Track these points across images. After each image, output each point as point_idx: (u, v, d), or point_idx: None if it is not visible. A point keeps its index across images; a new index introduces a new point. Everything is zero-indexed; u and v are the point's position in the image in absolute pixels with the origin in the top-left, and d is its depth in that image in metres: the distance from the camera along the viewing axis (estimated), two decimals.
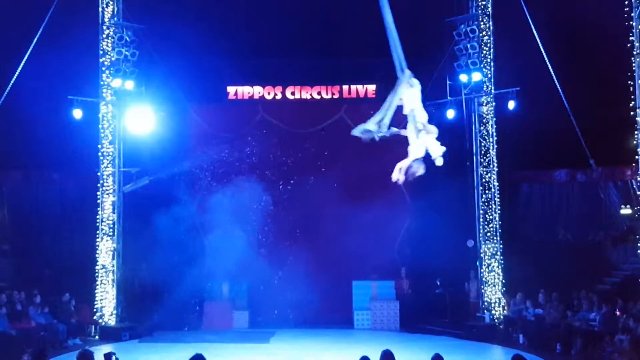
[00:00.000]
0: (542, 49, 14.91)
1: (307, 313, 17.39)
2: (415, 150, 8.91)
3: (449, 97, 16.85)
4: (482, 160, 16.80)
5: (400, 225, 18.11)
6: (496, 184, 16.70)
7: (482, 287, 16.58)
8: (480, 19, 16.57)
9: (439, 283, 17.51)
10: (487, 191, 16.75)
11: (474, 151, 16.84)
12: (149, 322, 16.49)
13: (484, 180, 16.79)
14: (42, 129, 16.14)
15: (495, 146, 16.73)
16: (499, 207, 16.67)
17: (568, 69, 15.42)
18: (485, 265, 16.56)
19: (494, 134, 16.74)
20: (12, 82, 15.04)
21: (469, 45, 16.38)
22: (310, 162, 18.03)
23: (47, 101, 16.19)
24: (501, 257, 16.51)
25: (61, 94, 16.19)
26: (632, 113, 13.83)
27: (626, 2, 13.76)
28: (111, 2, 16.63)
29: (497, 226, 16.62)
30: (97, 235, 16.53)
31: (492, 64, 16.62)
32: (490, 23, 16.60)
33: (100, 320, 16.29)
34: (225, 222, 16.40)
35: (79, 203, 17.63)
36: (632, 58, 13.70)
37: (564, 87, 14.90)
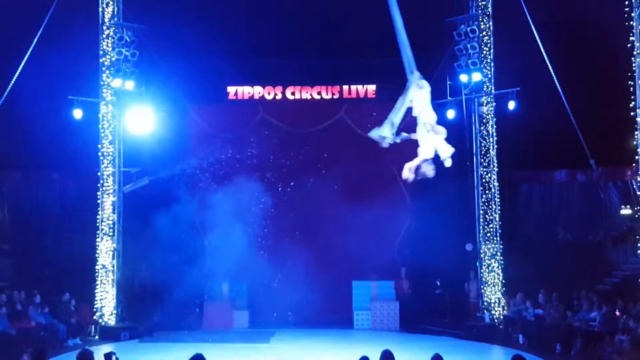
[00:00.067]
0: (542, 49, 14.91)
1: (307, 313, 17.38)
2: (425, 151, 8.97)
3: (449, 97, 16.86)
4: (482, 160, 16.81)
5: (400, 225, 18.11)
6: (496, 184, 16.71)
7: (482, 287, 16.59)
8: (480, 19, 16.58)
9: (438, 283, 17.51)
10: (487, 191, 16.75)
11: (474, 151, 16.84)
12: (149, 322, 16.51)
13: (484, 180, 16.80)
14: (42, 129, 16.15)
15: (495, 146, 16.74)
16: (499, 207, 16.67)
17: (568, 69, 15.41)
18: (485, 265, 16.56)
19: (494, 134, 16.75)
20: (12, 82, 15.04)
21: (469, 46, 16.39)
22: (310, 162, 18.02)
23: (47, 101, 16.19)
24: (501, 257, 16.52)
25: (61, 94, 16.19)
26: (632, 113, 13.81)
27: (626, 2, 13.74)
28: (111, 2, 16.64)
29: (497, 226, 16.62)
30: (97, 235, 16.54)
31: (492, 64, 16.63)
32: (491, 23, 16.60)
33: (100, 320, 16.30)
34: (225, 221, 16.38)
35: (79, 203, 17.62)
36: (632, 58, 13.68)
37: (564, 87, 14.90)
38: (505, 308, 16.33)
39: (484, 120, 16.83)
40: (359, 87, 18.67)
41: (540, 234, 17.78)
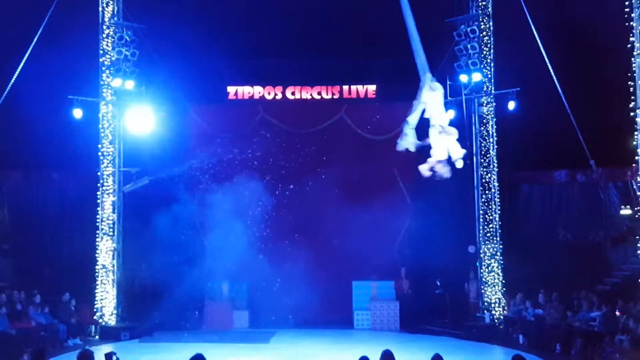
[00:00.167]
0: (542, 50, 14.92)
1: (307, 313, 17.38)
2: (437, 152, 9.03)
3: (449, 98, 16.81)
4: (482, 160, 16.81)
5: (400, 225, 18.10)
6: (496, 184, 16.72)
7: (482, 287, 16.60)
8: (480, 19, 16.59)
9: (438, 283, 17.50)
10: (487, 191, 16.76)
11: (474, 151, 16.84)
12: (149, 322, 16.48)
13: (484, 180, 16.80)
14: (42, 129, 16.15)
15: (496, 146, 16.75)
16: (498, 208, 16.68)
17: (568, 69, 15.42)
18: (485, 265, 16.57)
19: (494, 134, 16.75)
20: (12, 82, 15.04)
21: (469, 46, 16.39)
22: (310, 162, 18.00)
23: (47, 101, 16.19)
24: (501, 258, 16.52)
25: (61, 93, 16.19)
26: (632, 113, 13.82)
27: (626, 3, 13.75)
28: (111, 2, 16.64)
29: (497, 226, 16.63)
30: (97, 235, 16.54)
31: (492, 64, 16.63)
32: (491, 23, 16.61)
33: (100, 320, 16.31)
34: (225, 221, 16.37)
35: (79, 203, 17.62)
36: (632, 58, 13.69)
37: (564, 87, 14.91)
38: (505, 308, 16.34)
39: (484, 121, 16.84)
40: (359, 87, 18.67)
41: (540, 234, 17.77)
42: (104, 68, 16.61)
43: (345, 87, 18.69)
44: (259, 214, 17.24)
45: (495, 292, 16.43)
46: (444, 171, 9.08)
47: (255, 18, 17.76)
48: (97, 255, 16.46)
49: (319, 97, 18.73)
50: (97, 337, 16.06)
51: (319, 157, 18.07)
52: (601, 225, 17.55)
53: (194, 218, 17.56)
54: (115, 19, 16.63)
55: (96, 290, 16.39)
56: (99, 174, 16.64)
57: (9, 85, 15.04)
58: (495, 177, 16.72)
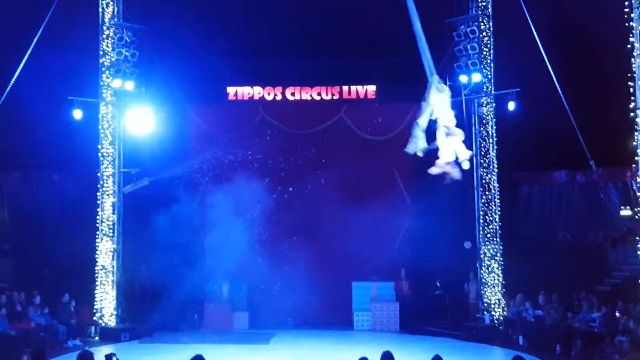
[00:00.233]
0: (542, 50, 14.91)
1: (306, 314, 17.38)
2: (445, 154, 9.04)
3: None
4: (482, 161, 16.80)
5: (400, 226, 18.10)
6: (496, 184, 16.70)
7: (481, 288, 16.58)
8: (480, 20, 16.57)
9: (438, 284, 17.50)
10: (487, 192, 16.75)
11: (474, 152, 16.80)
12: (148, 323, 16.47)
13: (484, 181, 16.79)
14: (42, 130, 16.16)
15: (495, 147, 16.73)
16: (498, 208, 16.67)
17: (568, 70, 15.41)
18: (485, 266, 16.56)
19: (494, 134, 16.74)
20: (12, 82, 15.04)
21: (468, 46, 16.39)
22: (310, 163, 18.00)
23: (47, 101, 16.19)
24: (501, 258, 16.51)
25: (61, 94, 16.19)
26: (632, 114, 13.81)
27: (626, 3, 13.74)
28: (111, 3, 16.63)
29: (497, 227, 16.62)
30: (97, 236, 16.53)
31: (492, 64, 16.62)
32: (490, 24, 16.60)
33: (100, 321, 16.29)
34: (225, 222, 16.37)
35: (78, 204, 17.61)
36: (632, 59, 13.68)
37: (564, 87, 14.90)
38: (505, 309, 16.32)
39: (484, 121, 16.82)
40: (359, 87, 18.65)
41: (540, 235, 17.77)
42: (103, 69, 16.60)
43: (345, 88, 18.68)
44: (258, 214, 17.24)
45: (495, 292, 16.41)
46: (455, 172, 9.10)
47: (255, 18, 17.76)
48: (96, 256, 16.45)
49: (318, 97, 18.72)
50: (96, 338, 16.05)
51: (318, 158, 18.07)
52: (601, 226, 17.56)
53: (194, 219, 17.53)
54: (115, 19, 16.62)
55: (96, 291, 16.38)
56: (98, 174, 16.63)
57: (9, 86, 15.03)
58: (495, 177, 16.71)
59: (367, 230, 16.46)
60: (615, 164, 16.55)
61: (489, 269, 16.50)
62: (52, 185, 18.24)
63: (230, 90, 18.74)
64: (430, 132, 9.71)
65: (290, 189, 17.94)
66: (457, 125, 16.69)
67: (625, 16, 13.77)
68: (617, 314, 13.69)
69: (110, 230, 16.58)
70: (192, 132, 18.45)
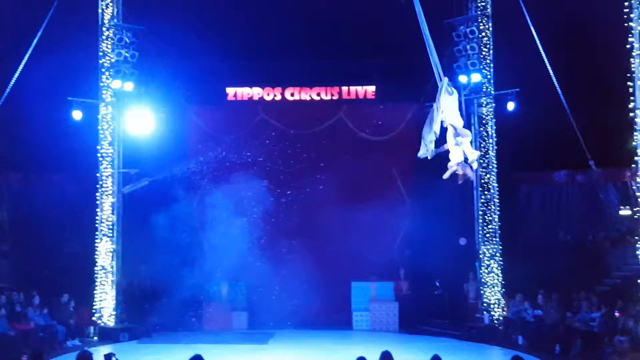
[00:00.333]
0: (541, 50, 14.91)
1: (306, 314, 17.35)
2: (455, 156, 9.07)
3: None
4: (481, 161, 16.78)
5: (400, 226, 18.11)
6: (495, 184, 16.69)
7: (481, 288, 16.58)
8: (479, 20, 16.57)
9: (438, 284, 17.51)
10: (486, 192, 16.74)
11: None
12: (148, 323, 16.49)
13: (483, 181, 16.78)
14: (41, 130, 16.16)
15: (495, 147, 16.73)
16: (498, 208, 16.66)
17: (567, 70, 15.42)
18: (484, 266, 16.55)
19: (494, 135, 16.74)
20: (12, 82, 15.05)
21: (468, 47, 16.38)
22: (310, 163, 18.02)
23: (47, 102, 16.20)
24: (500, 258, 16.50)
25: (61, 95, 16.20)
26: (631, 114, 13.81)
27: (626, 3, 13.75)
28: (111, 4, 16.64)
29: (497, 227, 16.61)
30: (96, 236, 16.52)
31: (491, 65, 16.62)
32: (490, 24, 16.60)
33: (99, 321, 16.28)
34: (224, 222, 16.39)
35: (78, 204, 17.61)
36: (632, 59, 13.68)
37: (563, 88, 14.90)
38: (505, 309, 16.31)
39: (484, 121, 16.82)
40: (358, 88, 18.68)
41: (540, 235, 17.77)
42: (103, 69, 16.59)
43: (345, 88, 18.71)
44: (258, 214, 17.25)
45: (495, 292, 16.40)
46: (468, 171, 9.13)
47: (254, 19, 17.76)
48: (96, 256, 16.44)
49: (318, 98, 18.75)
50: (96, 338, 16.04)
51: (318, 158, 18.09)
52: (600, 226, 17.56)
53: (193, 219, 17.55)
54: (115, 20, 16.62)
55: (95, 292, 16.36)
56: (98, 175, 16.63)
57: (9, 87, 15.04)
58: (494, 177, 16.70)
59: (367, 230, 16.49)
60: (615, 164, 16.54)
61: (489, 269, 16.50)
62: (51, 185, 18.24)
63: (230, 90, 18.77)
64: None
65: (290, 188, 17.94)
66: None
67: (625, 16, 13.76)
68: (617, 314, 13.69)
69: (110, 231, 16.58)
70: (191, 133, 18.48)
